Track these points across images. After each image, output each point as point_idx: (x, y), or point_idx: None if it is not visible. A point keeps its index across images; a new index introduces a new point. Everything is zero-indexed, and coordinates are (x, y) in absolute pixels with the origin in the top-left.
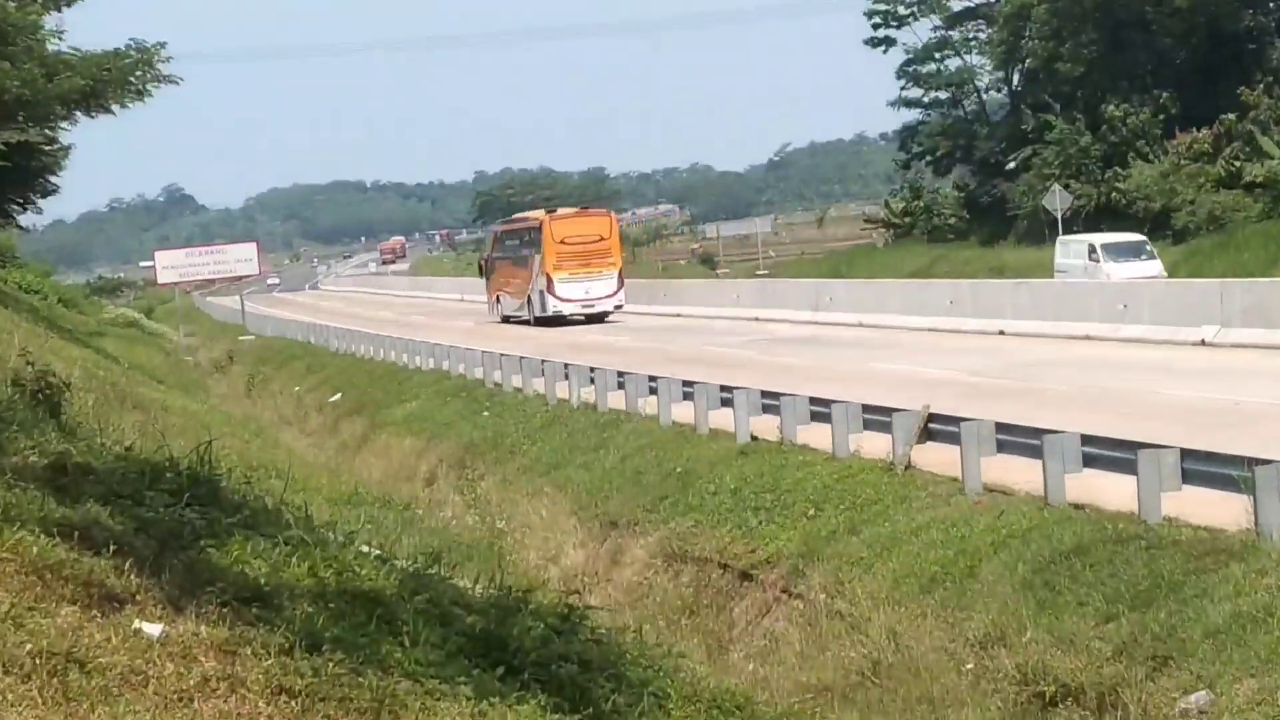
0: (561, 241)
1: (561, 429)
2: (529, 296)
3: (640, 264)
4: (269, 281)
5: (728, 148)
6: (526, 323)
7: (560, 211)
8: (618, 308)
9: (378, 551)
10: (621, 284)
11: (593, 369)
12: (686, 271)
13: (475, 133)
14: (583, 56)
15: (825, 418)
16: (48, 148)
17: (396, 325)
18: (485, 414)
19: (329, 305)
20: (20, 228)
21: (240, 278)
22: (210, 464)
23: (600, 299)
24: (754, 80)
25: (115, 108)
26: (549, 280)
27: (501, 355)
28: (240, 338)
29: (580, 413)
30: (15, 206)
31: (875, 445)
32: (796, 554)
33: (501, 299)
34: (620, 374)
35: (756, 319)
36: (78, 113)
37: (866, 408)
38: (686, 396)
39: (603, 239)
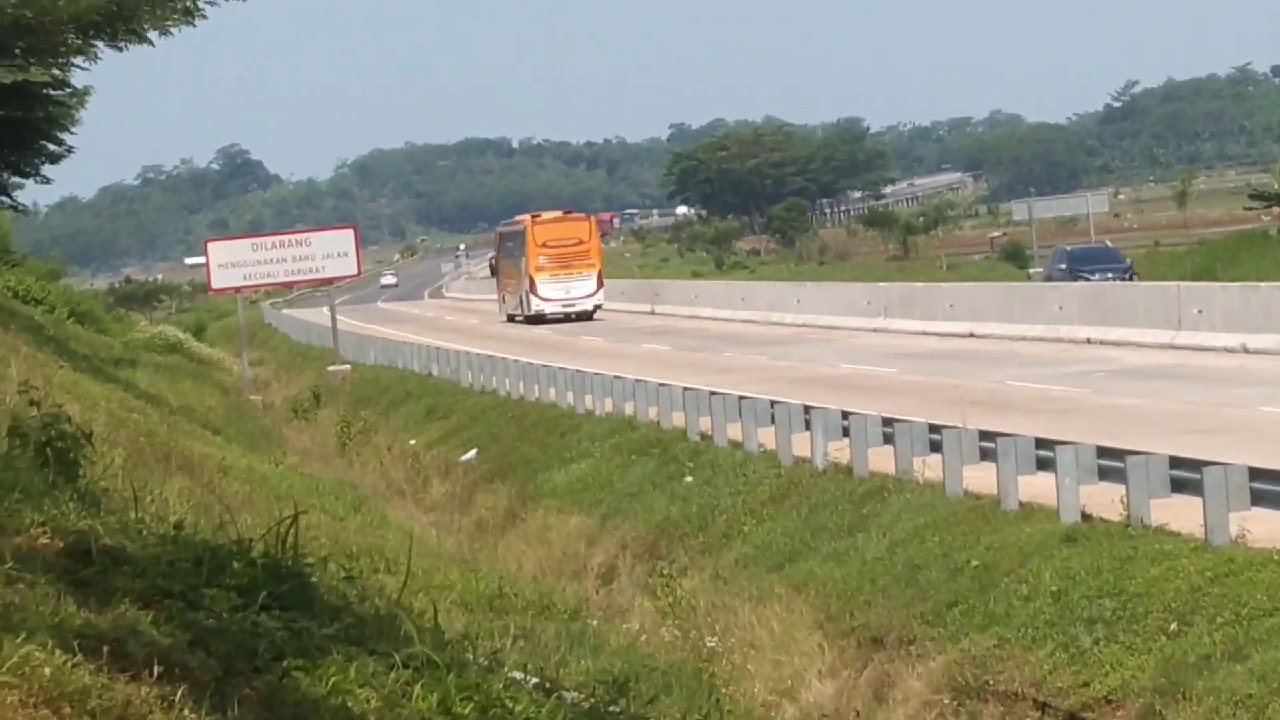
0: (543, 245)
1: (800, 502)
2: (520, 296)
3: (918, 260)
4: (384, 281)
5: (1044, 89)
6: (521, 321)
7: (543, 216)
8: (597, 307)
9: (536, 679)
10: (601, 284)
11: (846, 414)
12: (982, 271)
13: (670, 69)
14: None
15: (1193, 487)
16: (56, 92)
17: (554, 349)
18: (688, 480)
19: (457, 320)
20: (16, 208)
21: (332, 280)
22: (296, 550)
23: (580, 298)
24: None
25: (153, 34)
26: (532, 281)
27: (711, 394)
28: (330, 368)
29: (828, 478)
30: (10, 176)
31: (1269, 527)
32: (1151, 689)
33: (506, 299)
34: (886, 422)
35: (1088, 341)
36: (98, 42)
37: (1255, 473)
38: (984, 455)
39: (582, 242)
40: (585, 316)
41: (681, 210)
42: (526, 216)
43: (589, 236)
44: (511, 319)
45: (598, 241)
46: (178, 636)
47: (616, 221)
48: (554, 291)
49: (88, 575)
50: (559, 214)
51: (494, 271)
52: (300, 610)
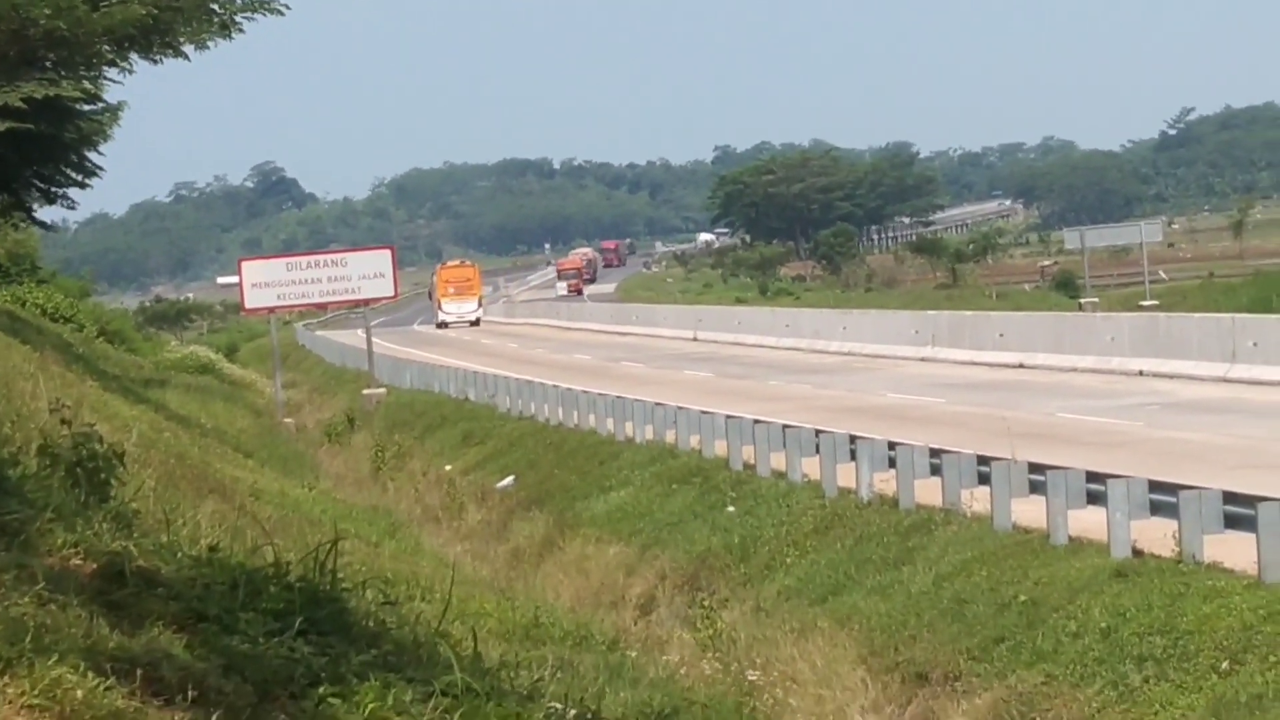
0: (447, 281)
1: (845, 534)
2: (435, 311)
3: (967, 289)
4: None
5: (1098, 116)
6: (436, 328)
7: (448, 263)
8: (479, 319)
9: (575, 711)
10: (481, 305)
11: (892, 445)
12: (1033, 300)
13: (716, 91)
14: None
15: (1246, 523)
16: (87, 107)
17: (594, 375)
18: (730, 510)
19: (494, 344)
20: (44, 225)
21: (368, 301)
22: (334, 575)
23: (468, 313)
24: (1137, 14)
25: (188, 48)
26: (439, 302)
27: (755, 422)
28: (365, 391)
29: (873, 510)
30: (38, 192)
31: None
32: None
33: (435, 314)
34: (933, 453)
35: (1140, 373)
36: (133, 55)
37: None
38: (1034, 488)
39: (469, 280)
40: (474, 324)
41: (704, 237)
42: (440, 264)
43: (474, 277)
44: (439, 326)
45: (479, 280)
46: (212, 661)
47: (660, 246)
48: (452, 308)
49: (121, 597)
50: (457, 262)
51: (430, 297)
52: (337, 636)
